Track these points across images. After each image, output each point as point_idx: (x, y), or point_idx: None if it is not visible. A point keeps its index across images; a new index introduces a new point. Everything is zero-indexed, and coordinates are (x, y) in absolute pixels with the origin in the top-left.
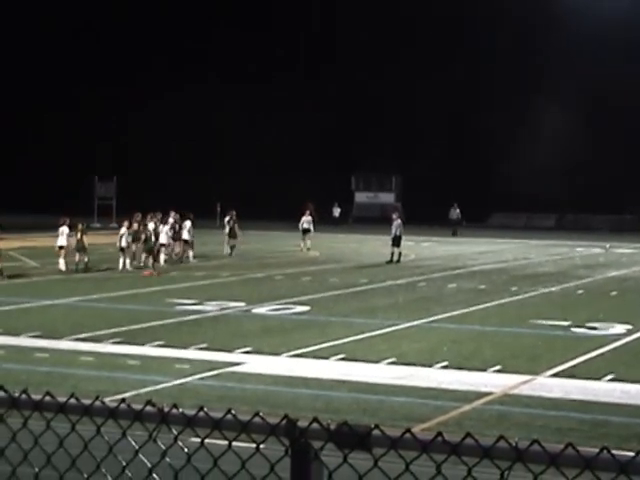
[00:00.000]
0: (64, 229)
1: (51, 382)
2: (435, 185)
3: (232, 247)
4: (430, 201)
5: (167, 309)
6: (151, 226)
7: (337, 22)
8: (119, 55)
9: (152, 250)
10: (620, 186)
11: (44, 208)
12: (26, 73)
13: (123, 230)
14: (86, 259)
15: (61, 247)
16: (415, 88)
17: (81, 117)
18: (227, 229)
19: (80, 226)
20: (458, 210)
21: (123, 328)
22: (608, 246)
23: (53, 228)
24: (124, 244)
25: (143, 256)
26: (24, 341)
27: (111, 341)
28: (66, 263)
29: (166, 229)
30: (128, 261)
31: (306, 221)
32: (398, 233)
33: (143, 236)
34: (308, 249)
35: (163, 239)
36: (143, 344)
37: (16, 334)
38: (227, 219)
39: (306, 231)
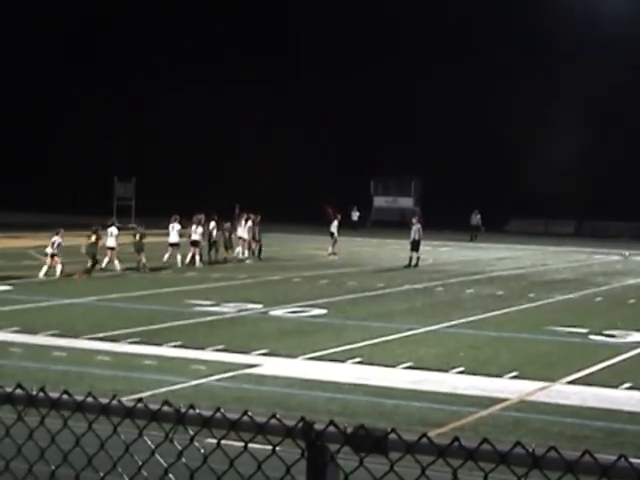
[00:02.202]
0: (113, 230)
1: (68, 381)
2: (454, 190)
3: (259, 250)
4: (449, 206)
5: (185, 310)
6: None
7: (356, 24)
8: (138, 54)
9: (142, 248)
10: None
11: (61, 208)
12: (40, 73)
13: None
14: (143, 259)
15: (111, 248)
16: (435, 92)
17: (98, 117)
18: (251, 232)
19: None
20: (479, 216)
21: (141, 328)
22: (627, 254)
23: (71, 227)
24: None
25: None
26: (42, 339)
27: (128, 341)
28: (119, 262)
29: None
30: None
31: (333, 225)
32: (417, 237)
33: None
34: (330, 254)
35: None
36: (160, 344)
37: (34, 332)
38: (247, 223)
39: (331, 235)
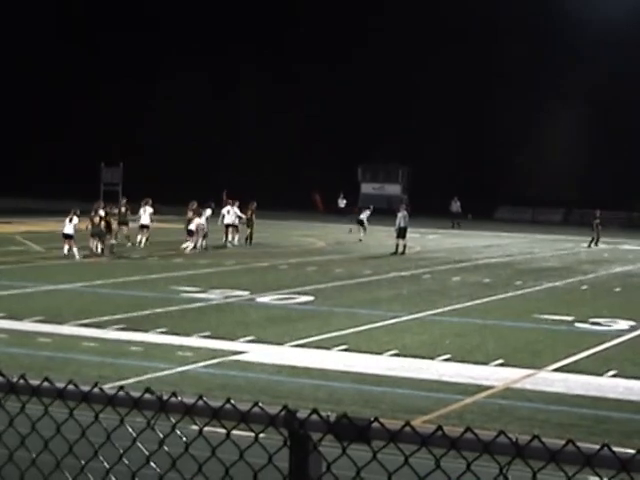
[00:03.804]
0: (148, 208)
1: (53, 367)
2: (442, 178)
3: (247, 238)
4: (436, 194)
5: (171, 296)
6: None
7: (344, 13)
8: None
9: (102, 235)
10: (629, 182)
11: (47, 193)
12: (26, 57)
13: (225, 210)
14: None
15: (144, 226)
16: (423, 80)
17: (89, 104)
18: (244, 219)
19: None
20: (459, 203)
21: (126, 314)
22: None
23: (57, 213)
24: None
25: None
26: (27, 325)
27: (114, 327)
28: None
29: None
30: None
31: (363, 214)
32: (402, 224)
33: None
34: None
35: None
36: (146, 331)
37: (20, 318)
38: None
39: (361, 222)
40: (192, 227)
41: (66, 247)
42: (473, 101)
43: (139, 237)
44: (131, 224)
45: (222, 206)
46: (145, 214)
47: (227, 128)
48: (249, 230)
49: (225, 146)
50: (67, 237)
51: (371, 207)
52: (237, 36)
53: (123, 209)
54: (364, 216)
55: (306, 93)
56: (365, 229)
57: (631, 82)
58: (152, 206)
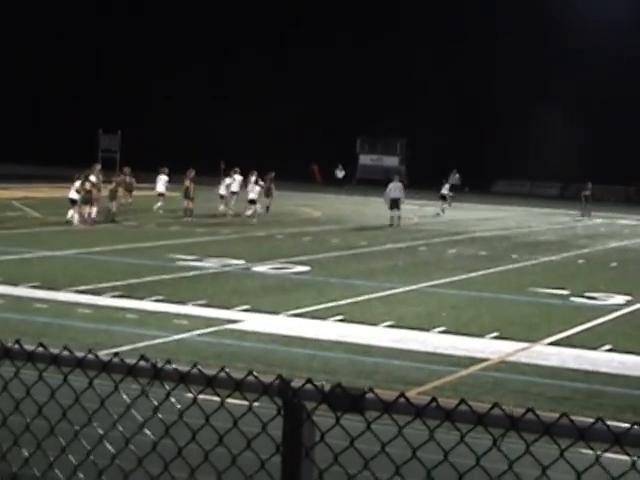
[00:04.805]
0: (163, 177)
1: (48, 333)
2: (440, 150)
3: (267, 207)
4: (434, 166)
5: (168, 264)
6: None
7: None
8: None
9: (89, 201)
10: (627, 158)
11: (46, 159)
12: (26, 23)
13: (230, 179)
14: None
15: (161, 194)
16: (422, 52)
17: (87, 70)
18: (263, 189)
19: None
20: (457, 175)
21: (123, 281)
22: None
23: (55, 179)
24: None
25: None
26: (23, 291)
27: (110, 294)
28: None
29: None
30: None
31: (445, 187)
32: (394, 195)
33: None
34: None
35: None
36: (142, 298)
37: (16, 284)
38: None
39: (443, 197)
40: (223, 192)
41: (70, 212)
42: (472, 74)
43: (158, 204)
44: (145, 192)
45: (221, 176)
46: (160, 182)
47: (228, 98)
48: (268, 199)
49: (225, 117)
50: (73, 202)
51: (455, 173)
52: (237, 12)
53: (128, 178)
54: (446, 190)
55: (306, 66)
56: (449, 203)
57: (630, 57)
58: (168, 174)
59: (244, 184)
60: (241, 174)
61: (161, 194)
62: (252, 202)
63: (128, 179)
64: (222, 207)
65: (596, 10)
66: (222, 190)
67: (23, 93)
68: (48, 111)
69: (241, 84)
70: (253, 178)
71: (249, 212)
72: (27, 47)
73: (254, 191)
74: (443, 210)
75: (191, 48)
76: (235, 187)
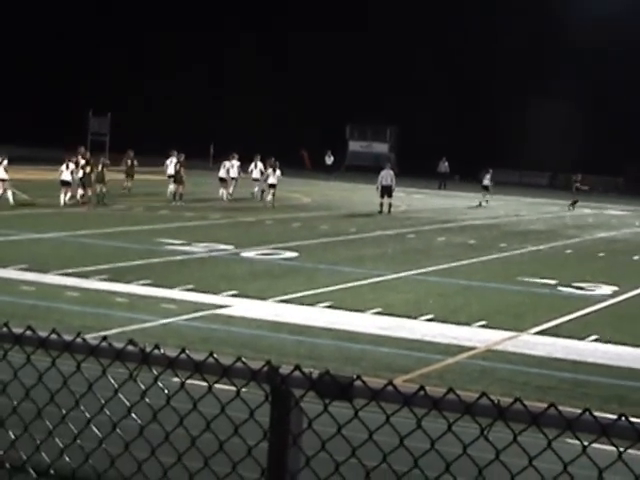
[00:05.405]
0: (172, 159)
1: (36, 315)
2: (430, 138)
3: (263, 191)
4: (424, 154)
5: (156, 248)
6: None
7: None
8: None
9: (87, 184)
10: (615, 148)
11: (36, 141)
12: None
13: (230, 163)
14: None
15: (171, 176)
16: (413, 39)
17: (87, 70)
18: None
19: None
20: (446, 163)
21: (110, 265)
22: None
23: (46, 161)
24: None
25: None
26: (11, 273)
27: (98, 277)
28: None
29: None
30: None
31: (486, 178)
32: (386, 183)
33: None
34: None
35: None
36: (130, 282)
37: (3, 266)
38: (259, 165)
39: (485, 188)
40: (223, 174)
41: (62, 195)
42: (464, 63)
43: (171, 187)
44: (157, 176)
45: (209, 160)
46: (171, 165)
47: (217, 84)
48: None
49: (215, 102)
50: (65, 184)
51: (490, 170)
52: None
53: (129, 161)
54: (487, 181)
55: (296, 52)
56: (491, 194)
57: (623, 51)
58: (177, 157)
59: (242, 169)
60: (239, 160)
61: (171, 176)
62: (272, 186)
63: (130, 162)
64: (222, 190)
65: (596, 8)
66: (222, 173)
67: (23, 93)
68: (38, 94)
69: (232, 74)
70: (259, 164)
71: (269, 197)
72: (27, 47)
73: (274, 176)
74: (487, 201)
75: (191, 48)
76: (234, 172)
